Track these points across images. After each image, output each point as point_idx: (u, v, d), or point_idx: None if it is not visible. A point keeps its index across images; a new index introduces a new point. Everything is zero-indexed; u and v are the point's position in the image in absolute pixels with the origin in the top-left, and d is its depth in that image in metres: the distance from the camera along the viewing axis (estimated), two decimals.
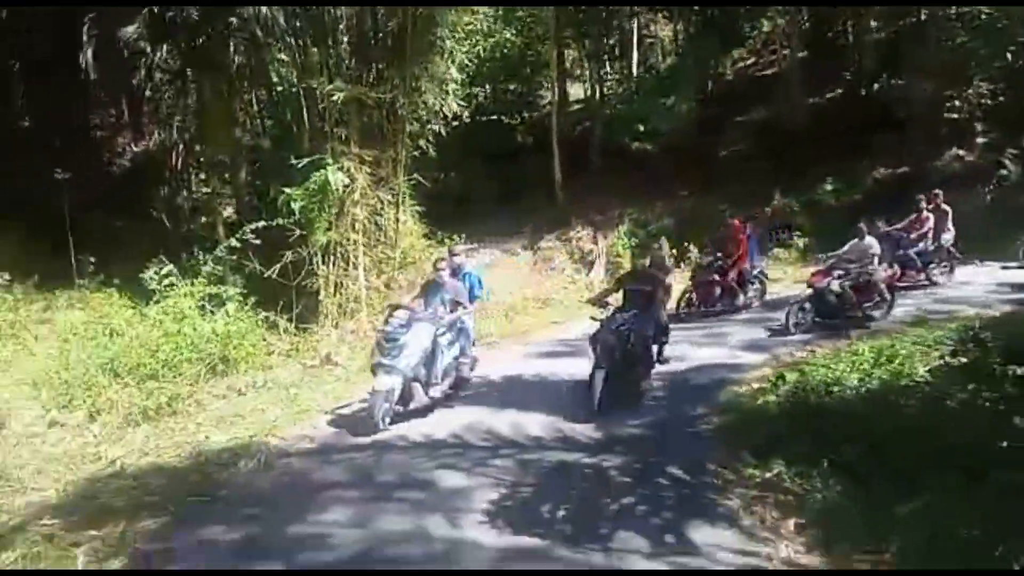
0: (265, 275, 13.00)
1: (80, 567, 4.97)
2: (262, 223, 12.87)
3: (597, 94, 22.58)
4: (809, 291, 10.90)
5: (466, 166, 19.34)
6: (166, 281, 11.27)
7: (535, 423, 7.52)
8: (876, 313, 10.90)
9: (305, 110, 14.70)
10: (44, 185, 14.75)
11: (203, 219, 20.41)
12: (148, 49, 15.61)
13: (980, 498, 4.65)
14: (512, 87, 22.50)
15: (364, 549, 4.98)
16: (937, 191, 13.80)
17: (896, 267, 12.26)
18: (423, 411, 7.85)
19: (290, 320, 12.14)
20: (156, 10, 14.59)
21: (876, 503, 5.02)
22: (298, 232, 13.27)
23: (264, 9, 14.17)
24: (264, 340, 11.32)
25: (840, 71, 21.41)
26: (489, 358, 10.64)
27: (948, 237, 13.42)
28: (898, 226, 13.35)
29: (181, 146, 21.01)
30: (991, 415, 5.92)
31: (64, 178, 14.18)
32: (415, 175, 15.46)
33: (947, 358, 7.13)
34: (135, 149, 20.75)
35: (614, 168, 18.25)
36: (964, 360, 6.43)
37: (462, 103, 16.09)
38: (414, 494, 5.90)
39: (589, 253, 17.09)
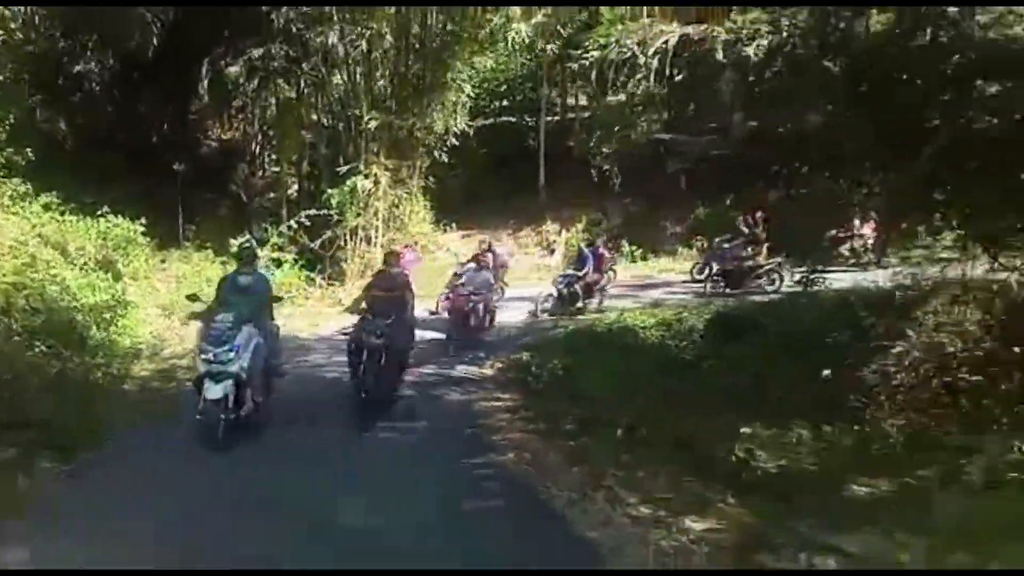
0: (311, 246, 18.71)
1: None
2: (312, 211, 18.61)
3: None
4: (552, 290, 14.98)
5: (472, 166, 24.42)
6: (246, 247, 17.07)
7: None
8: (592, 303, 14.95)
9: (350, 128, 20.32)
10: (161, 169, 20.55)
11: (272, 195, 26.15)
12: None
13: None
14: (521, 95, 26.92)
15: None
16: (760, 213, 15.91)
17: (611, 275, 16.34)
18: (251, 417, 7.31)
19: (324, 278, 17.89)
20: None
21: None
22: (336, 217, 18.94)
23: (331, 40, 19.45)
24: (305, 290, 17.07)
25: None
26: None
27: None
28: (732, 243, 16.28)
29: (259, 136, 26.75)
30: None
31: (180, 169, 20.03)
32: (429, 178, 21.13)
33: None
34: (224, 137, 26.46)
35: (587, 175, 23.05)
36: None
37: (469, 122, 21.41)
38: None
39: (553, 243, 22.33)
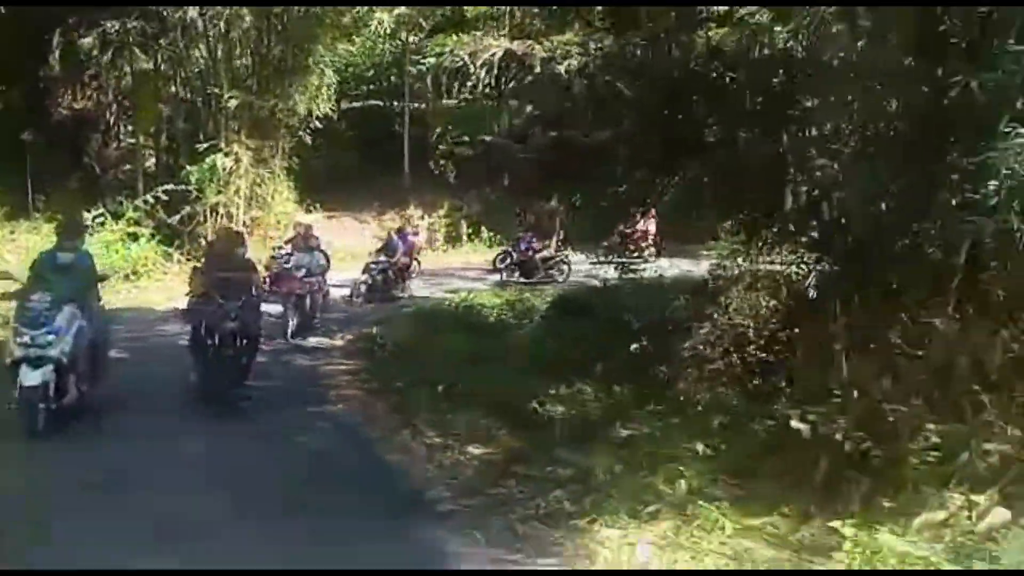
0: (168, 221, 18.89)
1: None
2: (170, 186, 18.81)
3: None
4: (364, 275, 15.32)
5: (338, 148, 25.09)
6: (99, 219, 17.14)
7: None
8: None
9: (210, 106, 20.51)
10: (9, 137, 20.00)
11: (128, 167, 25.72)
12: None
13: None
14: (387, 81, 27.65)
15: None
16: None
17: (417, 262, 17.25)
18: (76, 407, 6.77)
19: (181, 254, 18.16)
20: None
21: None
22: (195, 194, 19.19)
23: (190, 16, 19.59)
24: (162, 264, 17.35)
25: None
26: None
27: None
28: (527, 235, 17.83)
29: (114, 106, 26.17)
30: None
31: (28, 139, 19.61)
32: (293, 159, 21.64)
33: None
34: (76, 106, 25.73)
35: (452, 162, 24.20)
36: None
37: (333, 106, 22.04)
38: None
39: (416, 226, 23.41)
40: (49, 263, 6.98)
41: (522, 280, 16.67)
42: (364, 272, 15.43)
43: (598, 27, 8.40)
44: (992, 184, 4.23)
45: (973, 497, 4.28)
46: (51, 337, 6.33)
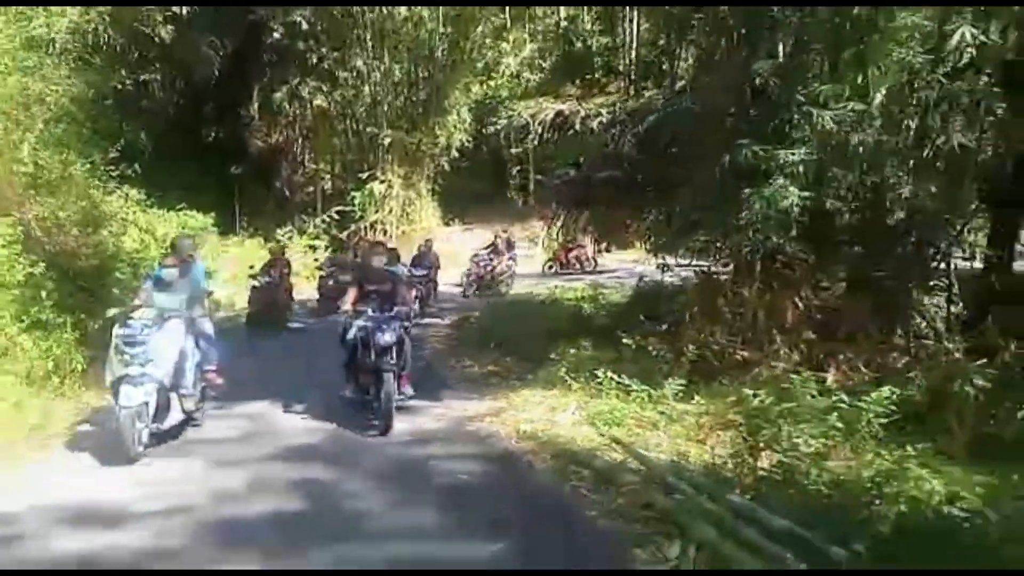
0: (339, 236, 23.92)
1: None
2: (339, 207, 23.89)
3: None
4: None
5: (475, 172, 29.57)
6: (288, 234, 22.39)
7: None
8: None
9: (370, 142, 25.54)
10: (223, 172, 25.88)
11: (310, 189, 31.48)
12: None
13: None
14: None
15: None
16: None
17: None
18: (179, 428, 6.82)
19: None
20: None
21: None
22: (359, 213, 24.16)
23: (356, 70, 24.65)
24: None
25: None
26: None
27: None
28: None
29: (299, 142, 32.12)
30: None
31: (236, 172, 25.41)
32: (437, 181, 26.34)
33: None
34: (270, 144, 31.85)
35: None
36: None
37: (468, 139, 26.51)
38: None
39: (536, 237, 27.30)
40: (154, 279, 6.96)
41: (478, 294, 18.50)
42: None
43: (615, 95, 11.92)
44: (757, 209, 7.46)
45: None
46: (151, 356, 6.16)
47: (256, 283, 14.37)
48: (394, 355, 7.12)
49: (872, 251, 8.29)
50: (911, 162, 7.98)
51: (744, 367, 7.77)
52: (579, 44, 25.85)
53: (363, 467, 6.07)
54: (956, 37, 7.03)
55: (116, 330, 6.30)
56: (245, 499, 5.34)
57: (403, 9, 23.70)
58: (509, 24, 24.34)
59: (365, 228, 24.37)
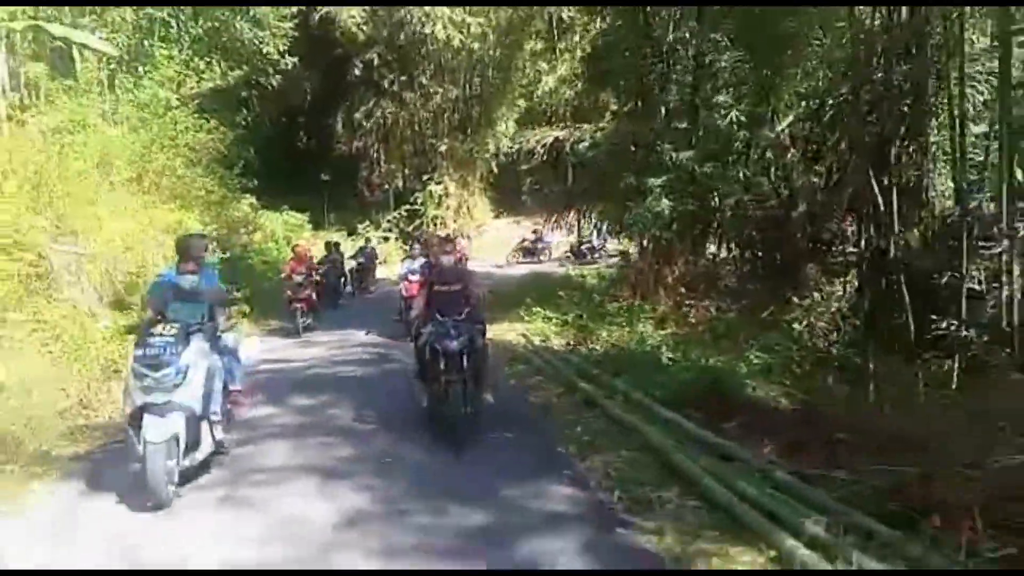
0: (406, 229, 29.42)
1: None
2: (407, 205, 29.42)
3: None
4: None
5: (522, 172, 34.67)
6: (366, 227, 28.05)
7: None
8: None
9: (430, 148, 30.96)
10: (314, 178, 31.71)
11: (385, 187, 37.23)
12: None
13: None
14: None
15: None
16: None
17: None
18: (207, 461, 5.71)
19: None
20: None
21: None
22: (422, 210, 29.63)
23: (417, 95, 30.12)
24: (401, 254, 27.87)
25: None
26: None
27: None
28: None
29: (375, 148, 37.87)
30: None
31: (326, 179, 31.23)
32: (489, 181, 31.64)
33: None
34: (352, 151, 37.68)
35: None
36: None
37: (510, 144, 31.59)
38: None
39: (573, 226, 32.34)
40: (170, 288, 5.86)
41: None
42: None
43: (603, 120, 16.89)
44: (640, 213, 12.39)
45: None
46: (178, 378, 5.19)
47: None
48: (464, 362, 6.54)
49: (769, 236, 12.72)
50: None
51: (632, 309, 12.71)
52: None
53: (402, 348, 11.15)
54: None
55: (134, 350, 5.36)
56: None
57: (457, 40, 28.88)
58: (553, 48, 29.39)
59: (426, 222, 29.78)
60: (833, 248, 12.74)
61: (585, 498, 5.04)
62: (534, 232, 26.01)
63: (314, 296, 14.16)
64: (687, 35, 12.37)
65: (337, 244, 20.89)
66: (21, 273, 8.63)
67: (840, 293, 12.01)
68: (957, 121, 9.47)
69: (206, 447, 5.55)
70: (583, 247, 26.33)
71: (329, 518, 4.78)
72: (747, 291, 12.75)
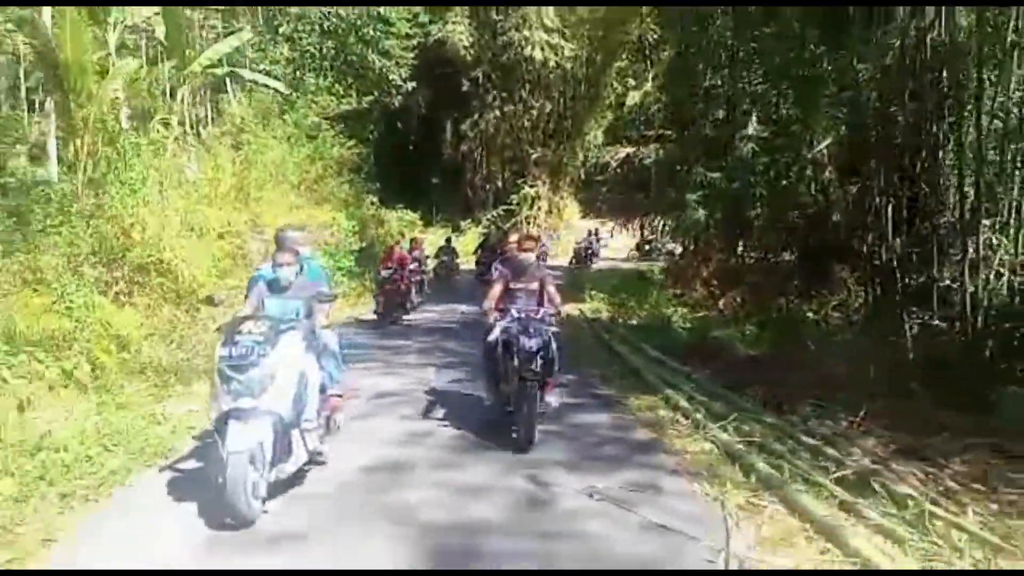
0: (503, 227, 33.24)
1: None
2: (503, 205, 33.33)
3: None
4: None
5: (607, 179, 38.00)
6: (469, 225, 32.10)
7: None
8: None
9: (525, 156, 34.75)
10: (425, 181, 35.97)
11: (487, 187, 41.25)
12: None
13: None
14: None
15: None
16: None
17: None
18: (299, 473, 5.25)
19: None
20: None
21: None
22: (517, 210, 33.44)
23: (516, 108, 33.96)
24: None
25: None
26: None
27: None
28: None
29: (479, 152, 41.95)
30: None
31: (435, 182, 35.49)
32: (579, 184, 35.25)
33: None
34: (458, 156, 41.86)
35: None
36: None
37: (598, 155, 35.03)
38: None
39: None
40: (266, 282, 5.55)
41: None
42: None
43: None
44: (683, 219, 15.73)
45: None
46: (266, 382, 4.74)
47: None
48: (539, 362, 6.35)
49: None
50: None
51: (679, 297, 16.00)
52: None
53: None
54: None
55: (219, 350, 4.91)
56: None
57: (553, 60, 32.47)
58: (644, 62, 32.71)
59: (521, 220, 33.56)
60: (861, 253, 15.36)
61: (580, 380, 8.81)
62: (591, 233, 29.30)
63: (403, 288, 14.37)
64: (720, 81, 15.57)
65: (449, 240, 25.02)
66: (232, 253, 13.01)
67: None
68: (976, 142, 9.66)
69: (298, 458, 5.07)
70: (647, 245, 29.55)
71: None
72: (769, 286, 15.77)
